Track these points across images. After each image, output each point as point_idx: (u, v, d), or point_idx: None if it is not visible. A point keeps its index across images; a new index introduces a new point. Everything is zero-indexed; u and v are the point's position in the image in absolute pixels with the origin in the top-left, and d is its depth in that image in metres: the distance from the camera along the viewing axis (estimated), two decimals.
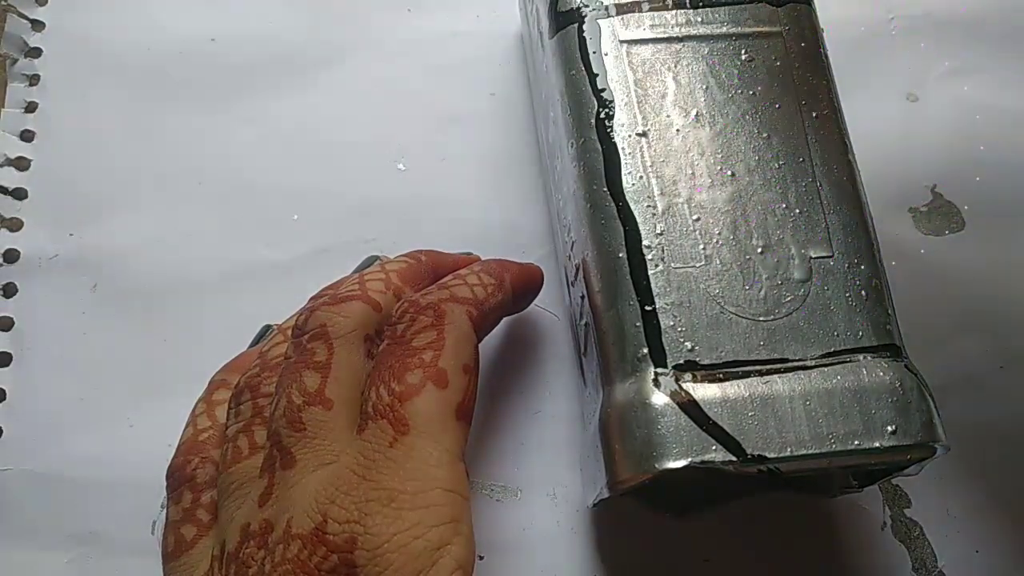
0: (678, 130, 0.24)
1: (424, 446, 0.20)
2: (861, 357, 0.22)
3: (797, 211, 0.23)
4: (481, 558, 0.27)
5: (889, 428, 0.21)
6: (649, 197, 0.23)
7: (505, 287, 0.25)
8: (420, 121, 0.32)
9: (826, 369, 0.22)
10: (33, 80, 0.33)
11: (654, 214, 0.23)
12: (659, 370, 0.22)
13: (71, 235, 0.30)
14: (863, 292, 0.22)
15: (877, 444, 0.21)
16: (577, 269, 0.25)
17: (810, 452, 0.21)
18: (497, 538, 0.27)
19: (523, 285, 0.27)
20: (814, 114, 0.24)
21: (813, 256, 0.23)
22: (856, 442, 0.21)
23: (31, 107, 0.32)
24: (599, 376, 0.23)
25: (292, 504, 0.19)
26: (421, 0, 0.34)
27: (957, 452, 0.23)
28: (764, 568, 0.27)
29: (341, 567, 0.18)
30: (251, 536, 0.19)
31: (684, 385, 0.21)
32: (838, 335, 0.22)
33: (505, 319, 0.29)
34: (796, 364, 0.22)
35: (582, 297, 0.24)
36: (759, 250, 0.23)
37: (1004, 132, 0.32)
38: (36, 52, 0.33)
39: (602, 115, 0.24)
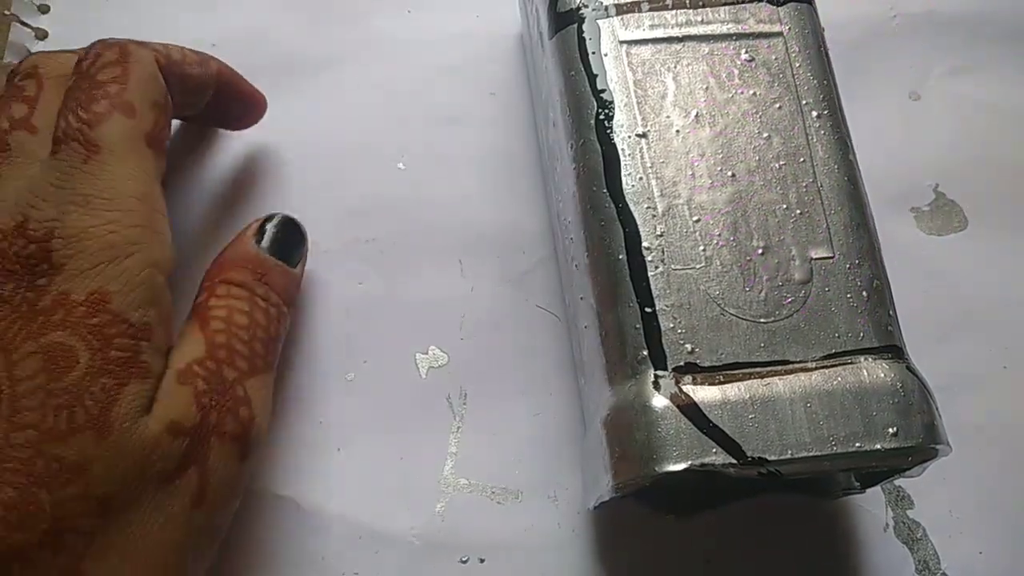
0: (678, 131, 0.24)
1: (116, 163, 0.22)
2: (862, 358, 0.22)
3: (798, 212, 0.23)
4: (482, 560, 0.27)
5: (890, 430, 0.21)
6: (649, 198, 0.23)
7: (209, 68, 0.27)
8: (420, 121, 0.32)
9: (827, 371, 0.21)
10: None
11: (654, 215, 0.23)
12: (659, 372, 0.22)
13: None
14: (864, 293, 0.22)
15: (878, 446, 0.21)
16: (577, 270, 0.25)
17: (811, 454, 0.21)
18: (498, 540, 0.27)
19: (235, 85, 0.28)
20: (815, 114, 0.24)
21: (814, 257, 0.23)
22: (857, 444, 0.21)
23: None
24: (599, 378, 0.23)
25: None
26: (421, 1, 0.34)
27: (960, 453, 0.23)
28: (765, 570, 0.27)
29: (38, 252, 0.20)
30: None
31: (684, 387, 0.21)
32: (839, 336, 0.22)
33: (503, 319, 0.29)
34: (797, 366, 0.22)
35: (581, 298, 0.24)
36: (760, 251, 0.23)
37: (1007, 131, 0.32)
38: None
39: (602, 116, 0.24)
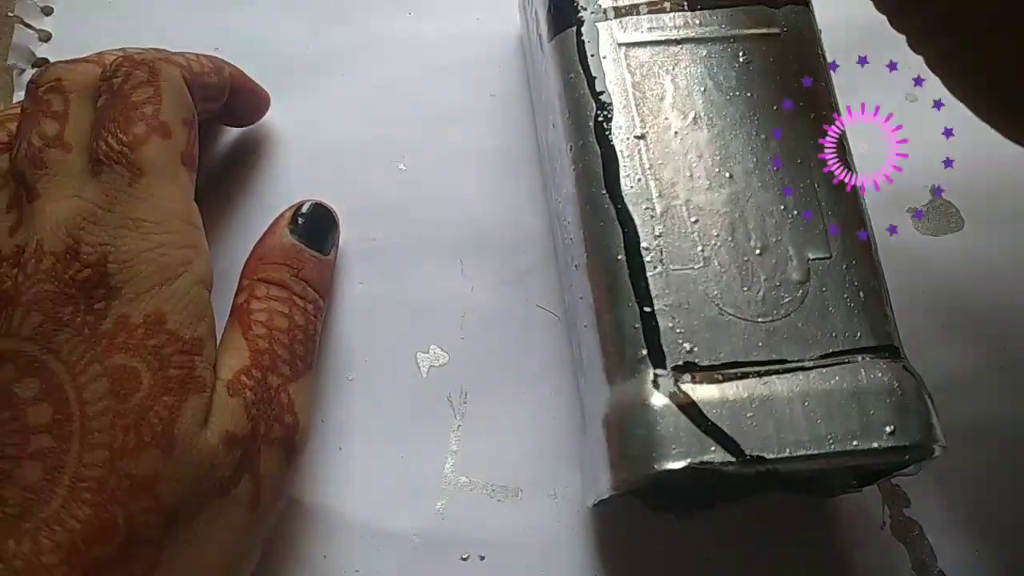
0: (676, 132, 0.24)
1: (160, 185, 0.22)
2: (859, 358, 0.22)
3: (795, 212, 0.23)
4: (483, 558, 0.27)
5: (887, 429, 0.21)
6: (648, 199, 0.23)
7: (223, 75, 0.27)
8: (420, 122, 0.32)
9: (824, 370, 0.22)
10: None
11: (652, 216, 0.23)
12: (658, 371, 0.22)
13: None
14: (861, 293, 0.22)
15: (875, 445, 0.21)
16: (576, 270, 0.25)
17: (809, 453, 0.21)
18: (498, 538, 0.27)
19: (243, 85, 0.29)
20: (812, 115, 0.24)
21: (811, 257, 0.23)
22: (854, 443, 0.21)
23: None
24: (599, 377, 0.23)
25: (41, 228, 0.21)
26: (421, 2, 0.34)
27: (957, 451, 0.23)
28: (764, 568, 0.27)
29: (94, 276, 0.21)
30: (2, 260, 0.21)
31: (683, 386, 0.21)
32: (836, 336, 0.22)
33: (503, 318, 0.29)
34: (795, 365, 0.22)
35: (581, 298, 0.24)
36: (757, 251, 0.23)
37: None
38: (43, 63, 0.33)
39: (600, 118, 0.24)
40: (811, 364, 0.22)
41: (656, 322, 0.22)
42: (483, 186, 0.31)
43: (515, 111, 0.32)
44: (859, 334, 0.22)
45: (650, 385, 0.22)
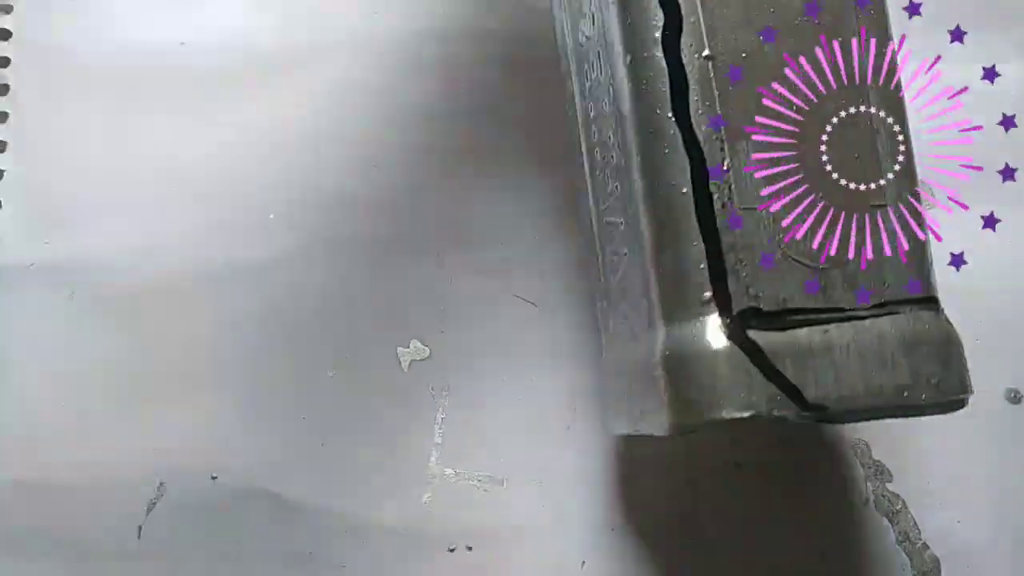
0: (746, 55, 0.21)
1: None
2: (908, 309, 0.21)
3: (856, 155, 0.22)
4: (470, 548, 0.26)
5: (933, 381, 0.21)
6: (716, 129, 0.21)
7: None
8: (394, 116, 0.30)
9: (877, 319, 0.21)
10: (2, 90, 0.30)
11: (721, 148, 0.21)
12: (723, 315, 0.20)
13: (46, 243, 0.29)
14: (909, 244, 0.22)
15: (923, 397, 0.21)
16: (624, 198, 0.22)
17: (865, 404, 0.20)
18: (484, 527, 0.27)
19: None
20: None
21: (872, 204, 0.22)
22: (905, 394, 0.20)
23: (1, 117, 0.30)
24: (650, 313, 0.21)
25: None
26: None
27: (936, 425, 0.23)
28: (747, 545, 0.27)
29: None
30: None
31: (748, 332, 0.20)
32: (888, 286, 0.21)
33: (482, 310, 0.29)
34: (851, 314, 0.21)
35: (623, 226, 0.22)
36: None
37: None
38: (4, 61, 0.30)
39: (668, 32, 0.21)
40: (865, 313, 0.21)
41: (723, 264, 0.20)
42: (458, 178, 0.30)
43: (484, 102, 0.31)
44: (907, 285, 0.22)
45: (716, 329, 0.20)
